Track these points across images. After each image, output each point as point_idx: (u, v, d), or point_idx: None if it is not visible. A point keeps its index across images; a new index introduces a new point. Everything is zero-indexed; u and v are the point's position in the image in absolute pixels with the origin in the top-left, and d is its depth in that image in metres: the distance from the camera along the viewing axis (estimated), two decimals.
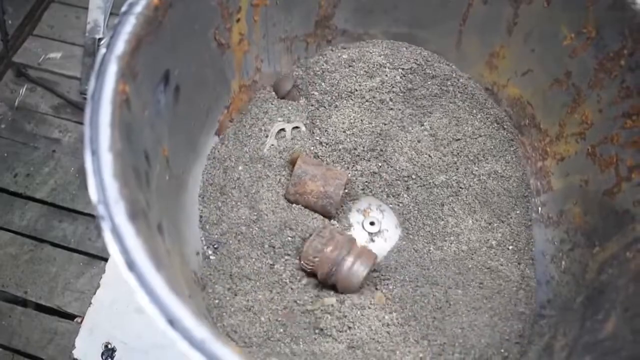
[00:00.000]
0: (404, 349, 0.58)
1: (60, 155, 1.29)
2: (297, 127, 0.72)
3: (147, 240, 0.40)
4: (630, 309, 0.49)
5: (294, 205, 0.68)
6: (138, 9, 0.48)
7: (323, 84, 0.73)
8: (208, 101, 0.68)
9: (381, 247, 0.70)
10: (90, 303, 0.68)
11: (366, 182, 0.73)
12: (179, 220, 0.63)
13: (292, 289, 0.63)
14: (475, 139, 0.73)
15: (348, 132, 0.72)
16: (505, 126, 0.75)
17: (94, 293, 0.68)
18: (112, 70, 0.45)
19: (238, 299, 0.61)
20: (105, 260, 0.68)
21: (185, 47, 0.57)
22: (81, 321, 0.68)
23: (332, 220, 0.69)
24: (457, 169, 0.72)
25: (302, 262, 0.63)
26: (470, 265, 0.67)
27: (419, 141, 0.73)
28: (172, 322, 0.36)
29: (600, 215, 0.61)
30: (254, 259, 0.64)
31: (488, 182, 0.71)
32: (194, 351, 0.34)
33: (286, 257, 0.64)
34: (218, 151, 0.71)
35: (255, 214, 0.67)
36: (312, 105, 0.74)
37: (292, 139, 0.71)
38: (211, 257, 0.65)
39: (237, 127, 0.72)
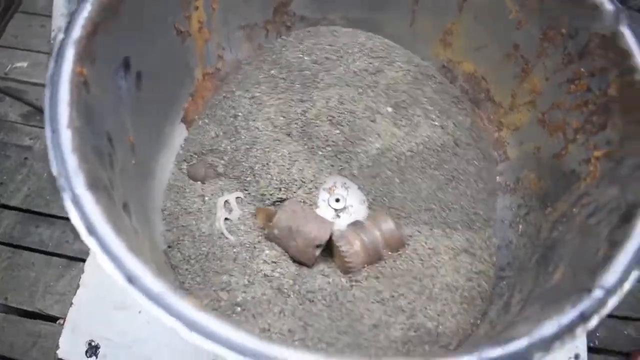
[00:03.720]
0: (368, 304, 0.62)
1: (32, 162, 1.32)
2: (238, 197, 0.71)
3: (108, 209, 0.43)
4: (574, 258, 0.52)
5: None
6: None
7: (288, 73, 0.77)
8: (172, 89, 0.71)
9: (347, 222, 0.73)
10: (72, 303, 0.69)
11: (331, 164, 0.75)
12: (147, 205, 0.66)
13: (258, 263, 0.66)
14: (434, 119, 0.76)
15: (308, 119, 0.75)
16: (460, 103, 0.78)
17: (75, 294, 0.70)
18: (70, 53, 0.48)
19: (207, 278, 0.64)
20: (84, 261, 0.70)
21: (145, 34, 0.60)
22: (63, 322, 0.69)
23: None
24: (417, 143, 0.75)
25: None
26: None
27: (380, 122, 0.76)
28: (131, 279, 0.38)
29: (551, 179, 0.65)
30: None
31: (445, 154, 0.74)
32: (152, 304, 0.37)
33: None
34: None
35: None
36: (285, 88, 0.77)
37: (239, 208, 0.70)
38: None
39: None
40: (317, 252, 0.66)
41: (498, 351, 0.38)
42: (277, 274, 0.64)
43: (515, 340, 0.39)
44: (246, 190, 0.71)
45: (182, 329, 0.36)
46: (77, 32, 0.49)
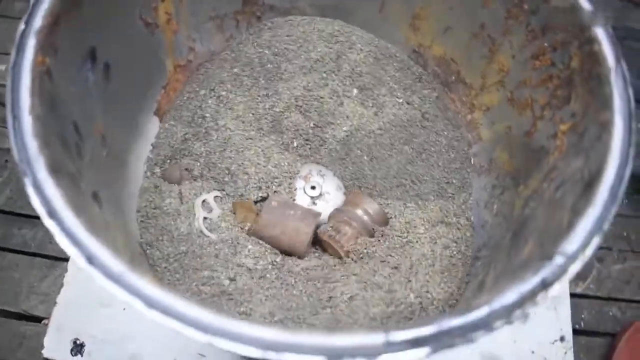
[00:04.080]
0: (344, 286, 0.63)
1: (13, 164, 1.31)
2: (217, 196, 0.71)
3: (70, 194, 0.43)
4: (542, 231, 0.52)
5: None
6: None
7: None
8: (143, 81, 0.71)
9: (323, 208, 0.73)
10: (56, 303, 0.70)
11: (305, 152, 0.76)
12: (122, 196, 0.66)
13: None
14: (399, 96, 0.77)
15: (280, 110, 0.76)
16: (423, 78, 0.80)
17: (59, 293, 0.70)
18: (31, 44, 0.48)
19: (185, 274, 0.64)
20: (68, 260, 0.70)
21: (111, 26, 0.60)
22: (48, 322, 0.69)
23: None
24: (385, 122, 0.76)
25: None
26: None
27: (347, 105, 0.76)
28: (90, 259, 0.38)
29: (523, 157, 0.65)
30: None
31: (413, 128, 0.75)
32: (112, 284, 0.37)
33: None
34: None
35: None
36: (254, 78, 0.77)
37: (219, 207, 0.70)
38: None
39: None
40: (307, 243, 0.67)
41: (459, 320, 0.38)
42: (260, 267, 0.65)
43: (476, 310, 0.39)
44: (224, 191, 0.71)
45: (142, 306, 0.36)
46: (37, 22, 0.49)
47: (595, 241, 0.43)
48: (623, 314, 1.18)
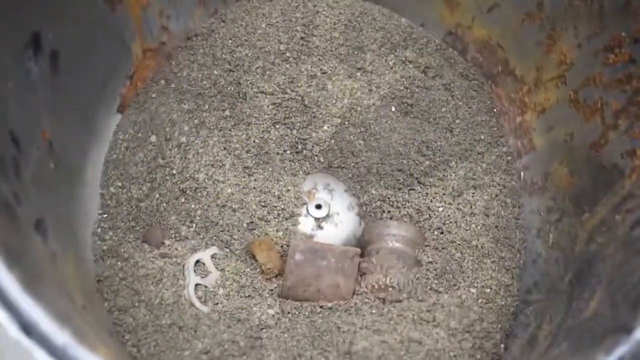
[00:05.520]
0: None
1: None
2: (215, 254, 0.68)
3: (4, 236, 0.41)
4: (615, 280, 0.50)
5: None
6: None
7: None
8: (102, 71, 0.69)
9: (331, 234, 0.71)
10: None
11: (301, 162, 0.75)
12: (74, 218, 0.64)
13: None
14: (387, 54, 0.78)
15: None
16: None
17: None
18: None
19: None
20: None
21: (59, 3, 0.58)
22: None
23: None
24: (381, 95, 0.76)
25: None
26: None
27: (332, 85, 0.76)
28: (26, 327, 0.36)
29: (588, 174, 0.63)
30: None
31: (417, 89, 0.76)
32: None
33: None
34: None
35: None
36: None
37: (218, 268, 0.68)
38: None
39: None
40: (351, 294, 0.66)
41: None
42: (275, 334, 0.63)
43: None
44: (227, 248, 0.69)
45: None
46: None
47: None
48: None
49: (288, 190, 0.72)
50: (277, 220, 0.71)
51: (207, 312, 0.63)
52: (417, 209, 0.72)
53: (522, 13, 0.69)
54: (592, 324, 0.49)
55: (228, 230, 0.69)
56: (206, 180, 0.70)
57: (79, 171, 0.67)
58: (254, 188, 0.71)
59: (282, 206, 0.71)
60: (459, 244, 0.69)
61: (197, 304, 0.64)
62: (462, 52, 0.79)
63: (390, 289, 0.65)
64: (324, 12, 0.78)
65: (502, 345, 0.63)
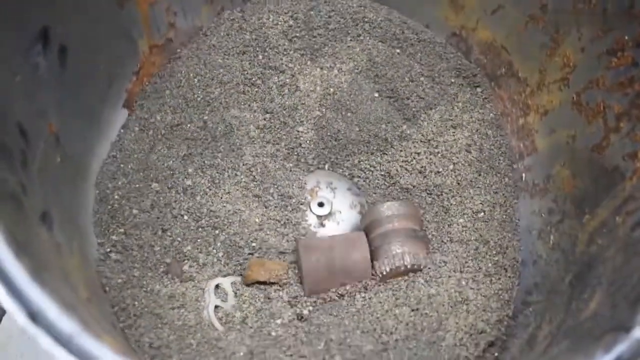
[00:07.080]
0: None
1: None
2: (234, 282, 0.68)
3: (11, 225, 0.42)
4: (615, 281, 0.51)
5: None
6: None
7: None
8: (109, 66, 0.69)
9: (333, 232, 0.72)
10: None
11: (298, 159, 0.76)
12: (79, 212, 0.65)
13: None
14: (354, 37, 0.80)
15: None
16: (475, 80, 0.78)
17: None
18: None
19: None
20: None
21: None
22: None
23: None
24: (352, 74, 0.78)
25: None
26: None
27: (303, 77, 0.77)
28: (33, 315, 0.37)
29: (590, 177, 0.63)
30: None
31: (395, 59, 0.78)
32: (59, 348, 0.36)
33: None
34: None
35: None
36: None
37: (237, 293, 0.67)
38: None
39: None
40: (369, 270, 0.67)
41: None
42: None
43: None
44: (240, 275, 0.69)
45: None
46: None
47: None
48: None
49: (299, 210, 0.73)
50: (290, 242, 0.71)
51: (224, 331, 0.63)
52: (405, 160, 0.75)
53: (526, 15, 0.69)
54: (592, 323, 0.49)
55: (245, 259, 0.69)
56: (224, 214, 0.70)
57: (84, 166, 0.67)
58: (265, 215, 0.71)
59: (297, 229, 0.72)
60: (441, 185, 0.73)
61: (217, 324, 0.64)
62: (466, 53, 0.79)
63: (409, 267, 0.66)
64: (272, 18, 0.79)
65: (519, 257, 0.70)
